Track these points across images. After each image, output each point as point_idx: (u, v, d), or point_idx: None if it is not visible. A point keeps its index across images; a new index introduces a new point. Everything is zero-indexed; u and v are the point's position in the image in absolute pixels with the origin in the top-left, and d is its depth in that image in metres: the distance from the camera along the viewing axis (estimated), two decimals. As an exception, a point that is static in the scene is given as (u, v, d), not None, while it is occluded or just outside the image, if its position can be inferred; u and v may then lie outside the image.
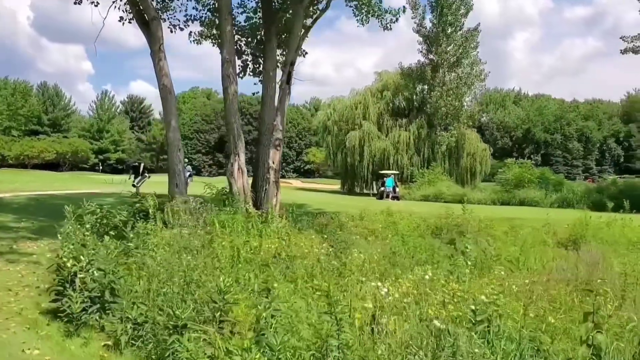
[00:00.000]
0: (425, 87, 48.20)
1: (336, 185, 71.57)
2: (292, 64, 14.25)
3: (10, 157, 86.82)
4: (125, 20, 13.90)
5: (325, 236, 11.74)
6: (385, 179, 37.77)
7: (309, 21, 15.26)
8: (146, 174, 29.61)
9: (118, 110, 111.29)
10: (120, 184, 46.44)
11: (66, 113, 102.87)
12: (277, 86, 14.70)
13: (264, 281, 5.40)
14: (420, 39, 48.52)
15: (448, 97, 45.88)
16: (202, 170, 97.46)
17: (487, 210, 23.90)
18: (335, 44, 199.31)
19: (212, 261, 6.92)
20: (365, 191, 51.84)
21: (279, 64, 15.56)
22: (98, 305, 6.14)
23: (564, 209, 29.55)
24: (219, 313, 4.64)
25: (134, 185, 27.50)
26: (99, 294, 6.21)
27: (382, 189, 36.64)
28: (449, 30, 47.41)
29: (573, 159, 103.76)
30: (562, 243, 15.16)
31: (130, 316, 5.13)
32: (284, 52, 15.48)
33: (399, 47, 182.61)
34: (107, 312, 6.14)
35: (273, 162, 13.86)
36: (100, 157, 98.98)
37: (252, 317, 4.39)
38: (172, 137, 12.39)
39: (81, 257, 6.60)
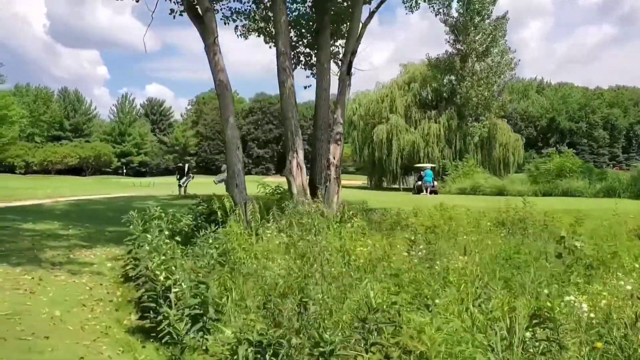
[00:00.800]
0: (454, 77, 47.05)
1: (359, 180, 70.82)
2: (354, 53, 13.47)
3: (35, 164, 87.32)
4: (176, 12, 13.24)
5: (388, 236, 10.97)
6: (422, 172, 36.78)
7: (373, 5, 14.44)
8: (191, 175, 29.43)
9: (138, 113, 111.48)
10: (148, 186, 46.41)
11: (87, 118, 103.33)
12: (330, 78, 13.95)
13: (414, 296, 4.65)
14: (447, 28, 47.45)
15: (479, 87, 44.74)
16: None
17: (534, 202, 22.88)
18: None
19: (331, 270, 6.17)
20: (393, 186, 50.97)
21: (331, 55, 14.90)
22: (201, 324, 5.42)
23: (610, 198, 28.38)
24: (373, 334, 3.90)
25: (180, 186, 27.32)
26: (201, 311, 5.50)
27: (420, 183, 35.67)
28: (477, 19, 46.26)
29: (599, 147, 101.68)
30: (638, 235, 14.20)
31: (251, 338, 4.39)
32: (335, 43, 14.77)
33: (410, 40, 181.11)
34: (209, 331, 5.43)
35: (334, 158, 13.11)
36: (123, 160, 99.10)
37: (436, 340, 3.63)
38: (231, 135, 11.68)
39: (173, 268, 5.88)
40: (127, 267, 8.79)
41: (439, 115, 46.85)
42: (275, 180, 57.21)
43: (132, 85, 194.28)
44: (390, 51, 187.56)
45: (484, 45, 45.68)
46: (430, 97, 48.50)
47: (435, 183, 35.48)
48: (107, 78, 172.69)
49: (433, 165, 41.01)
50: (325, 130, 14.15)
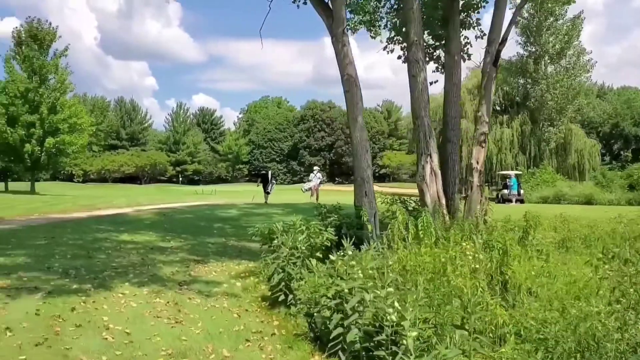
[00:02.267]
0: (527, 80, 44.86)
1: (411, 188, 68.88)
2: (503, 41, 11.96)
3: (92, 172, 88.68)
4: (300, 1, 12.05)
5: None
6: (507, 180, 34.71)
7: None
8: (274, 181, 28.58)
9: (191, 122, 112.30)
10: (211, 194, 45.83)
11: (143, 127, 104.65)
12: (461, 71, 12.45)
13: None
14: (518, 30, 45.32)
15: (554, 91, 42.47)
16: (277, 178, 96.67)
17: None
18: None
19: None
20: (463, 195, 48.84)
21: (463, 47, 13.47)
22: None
23: None
24: None
25: (267, 193, 26.39)
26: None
27: (506, 191, 33.61)
28: (550, 20, 44.05)
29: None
30: None
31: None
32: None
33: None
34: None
35: (477, 162, 11.60)
36: (178, 168, 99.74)
37: None
38: (359, 137, 10.33)
39: (395, 303, 4.49)
40: (274, 290, 7.47)
41: (511, 120, 44.74)
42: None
43: (179, 95, 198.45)
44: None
45: (558, 47, 43.40)
46: (501, 102, 46.32)
47: (522, 191, 33.42)
48: (155, 89, 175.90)
49: (518, 172, 38.75)
50: (457, 130, 12.67)
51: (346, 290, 5.53)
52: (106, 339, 5.67)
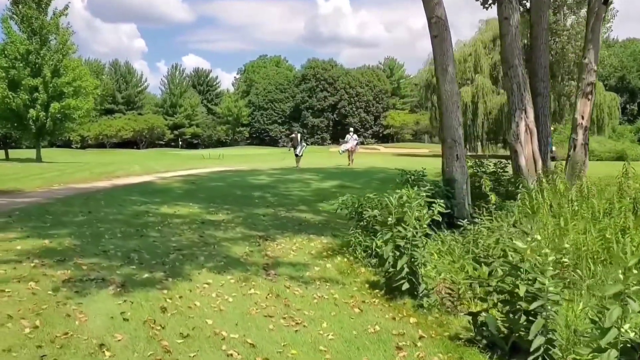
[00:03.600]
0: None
1: (425, 149, 67.46)
2: None
3: (90, 138, 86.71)
4: None
5: None
6: None
7: None
8: (304, 143, 27.69)
9: (186, 84, 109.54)
10: (219, 158, 44.33)
11: (139, 90, 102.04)
12: (547, 14, 10.93)
13: None
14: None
15: (576, 42, 40.66)
16: (279, 141, 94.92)
17: None
18: (383, 3, 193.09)
19: None
20: (478, 153, 47.62)
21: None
22: None
23: None
24: None
25: (297, 155, 25.59)
26: None
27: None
28: (570, -34, 41.88)
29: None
30: None
31: None
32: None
33: (453, 2, 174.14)
34: None
35: (582, 117, 10.17)
36: (176, 132, 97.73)
37: None
38: (450, 90, 8.90)
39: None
40: (396, 276, 6.15)
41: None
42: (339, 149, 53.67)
43: (169, 57, 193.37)
44: None
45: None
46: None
47: (554, 148, 32.00)
48: (144, 51, 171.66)
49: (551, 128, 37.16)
50: (547, 82, 11.22)
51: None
52: (231, 355, 4.38)
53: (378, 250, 7.33)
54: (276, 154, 52.21)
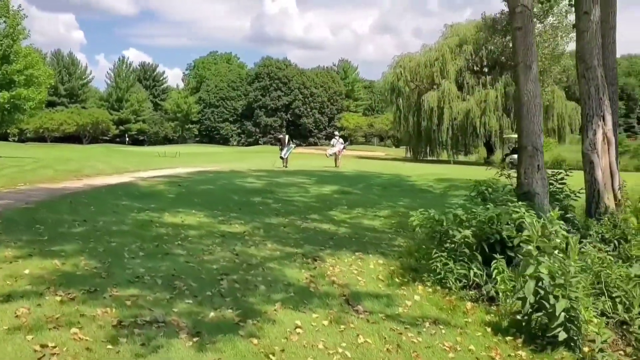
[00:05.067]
0: (507, 39, 42.95)
1: (379, 151, 67.06)
2: None
3: (30, 131, 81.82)
4: None
5: None
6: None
7: None
8: (291, 144, 27.54)
9: (133, 79, 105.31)
10: (175, 156, 42.15)
11: (83, 82, 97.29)
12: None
13: None
14: (503, -15, 43.29)
15: (542, 51, 40.96)
16: (230, 139, 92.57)
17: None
18: (329, 6, 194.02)
19: None
20: (442, 158, 47.38)
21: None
22: None
23: None
24: None
25: (282, 158, 26.34)
26: None
27: (515, 156, 31.55)
28: (537, -26, 42.12)
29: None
30: None
31: None
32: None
33: (395, 8, 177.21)
34: None
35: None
36: (121, 128, 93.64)
37: None
38: (532, 91, 7.78)
39: None
40: (527, 316, 4.95)
41: (494, 81, 43.00)
42: (304, 152, 53.05)
43: (109, 50, 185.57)
44: (374, 18, 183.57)
45: (547, 4, 41.58)
46: (484, 62, 44.40)
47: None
48: (83, 43, 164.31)
49: None
50: (615, 86, 9.76)
51: None
52: None
53: (476, 279, 6.15)
54: (231, 154, 50.41)
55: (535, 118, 7.85)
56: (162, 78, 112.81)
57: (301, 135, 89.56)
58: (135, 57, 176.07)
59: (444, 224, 6.70)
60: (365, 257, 8.08)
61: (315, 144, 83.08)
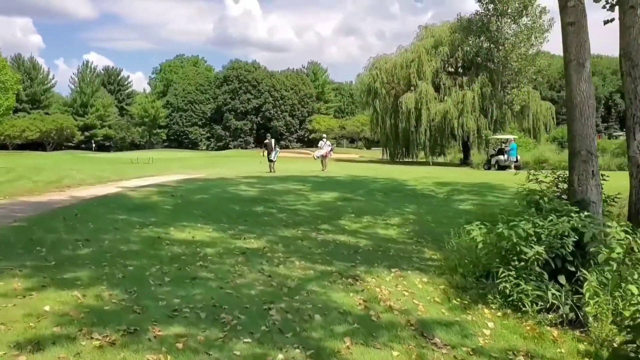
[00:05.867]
0: (488, 40, 42.92)
1: (353, 154, 66.68)
2: None
3: (-10, 138, 78.85)
4: None
5: None
6: (504, 145, 32.54)
7: None
8: (277, 148, 28.17)
9: (98, 83, 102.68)
10: (148, 163, 40.82)
11: (45, 88, 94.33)
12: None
13: None
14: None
15: (518, 51, 41.12)
16: (199, 144, 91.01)
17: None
18: (293, 8, 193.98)
19: None
20: (419, 160, 47.18)
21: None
22: None
23: None
24: None
25: (270, 160, 26.05)
26: None
27: (502, 157, 31.42)
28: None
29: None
30: None
31: None
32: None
33: (357, 10, 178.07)
34: None
35: None
36: (87, 133, 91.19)
37: None
38: (585, 91, 7.23)
39: None
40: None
41: (471, 82, 42.87)
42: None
43: (69, 55, 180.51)
44: (337, 20, 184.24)
45: (522, 4, 41.71)
46: (460, 63, 44.29)
47: (519, 157, 31.39)
48: (41, 47, 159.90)
49: (515, 136, 36.78)
50: None
51: None
52: None
53: (555, 301, 5.54)
54: (205, 159, 49.29)
55: (589, 120, 7.31)
56: (126, 82, 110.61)
57: (272, 138, 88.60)
58: (96, 61, 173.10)
59: (512, 239, 6.06)
60: (404, 274, 7.44)
61: (287, 147, 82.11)
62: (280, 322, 5.19)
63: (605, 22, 9.50)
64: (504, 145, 32.74)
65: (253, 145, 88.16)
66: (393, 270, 7.58)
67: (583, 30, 7.34)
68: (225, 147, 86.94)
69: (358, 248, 9.13)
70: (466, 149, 45.70)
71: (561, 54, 8.04)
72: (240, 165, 32.79)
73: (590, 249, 5.80)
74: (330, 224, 11.43)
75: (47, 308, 5.10)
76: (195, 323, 5.01)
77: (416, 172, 27.24)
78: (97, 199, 13.59)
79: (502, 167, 30.36)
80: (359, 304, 5.96)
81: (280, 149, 32.61)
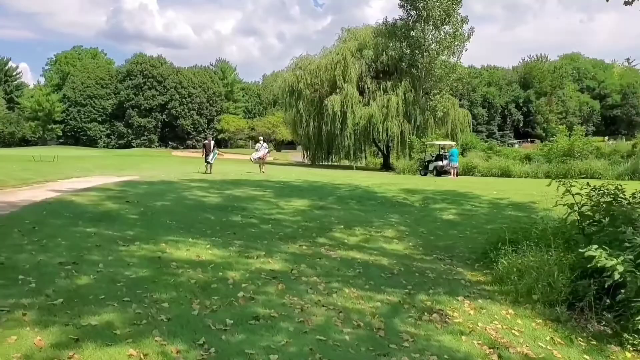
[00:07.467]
0: (412, 46, 43.26)
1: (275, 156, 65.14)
2: None
3: None
4: None
5: None
6: (445, 151, 32.25)
7: None
8: (216, 150, 27.63)
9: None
10: (53, 161, 37.12)
11: None
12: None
13: None
14: (401, -9, 43.69)
15: (442, 57, 41.79)
16: (99, 141, 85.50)
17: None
18: (190, 4, 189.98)
19: None
20: (343, 163, 46.73)
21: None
22: None
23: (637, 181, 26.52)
24: None
25: (207, 162, 25.15)
26: None
27: (441, 163, 31.06)
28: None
29: (478, 124, 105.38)
30: None
31: None
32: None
33: (257, 11, 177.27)
34: None
35: None
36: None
37: None
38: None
39: None
40: None
41: (395, 87, 42.96)
42: (186, 155, 50.59)
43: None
44: (238, 20, 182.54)
45: (445, 13, 42.43)
46: (385, 67, 44.27)
47: (457, 163, 31.27)
48: None
49: (454, 143, 36.84)
50: None
51: None
52: None
53: None
54: (113, 157, 45.98)
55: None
56: (15, 73, 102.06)
57: (178, 137, 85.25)
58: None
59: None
60: (476, 304, 6.40)
61: (194, 147, 78.90)
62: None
63: (626, 3, 8.91)
64: (442, 151, 32.80)
65: (157, 144, 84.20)
66: (459, 298, 6.52)
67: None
68: (128, 145, 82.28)
69: (388, 269, 7.97)
70: (387, 154, 45.80)
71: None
72: (167, 166, 30.59)
73: None
74: (326, 237, 10.21)
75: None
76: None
77: (359, 177, 26.45)
78: (38, 206, 11.41)
79: (440, 173, 30.31)
80: (487, 353, 4.80)
81: (186, 148, 31.52)
